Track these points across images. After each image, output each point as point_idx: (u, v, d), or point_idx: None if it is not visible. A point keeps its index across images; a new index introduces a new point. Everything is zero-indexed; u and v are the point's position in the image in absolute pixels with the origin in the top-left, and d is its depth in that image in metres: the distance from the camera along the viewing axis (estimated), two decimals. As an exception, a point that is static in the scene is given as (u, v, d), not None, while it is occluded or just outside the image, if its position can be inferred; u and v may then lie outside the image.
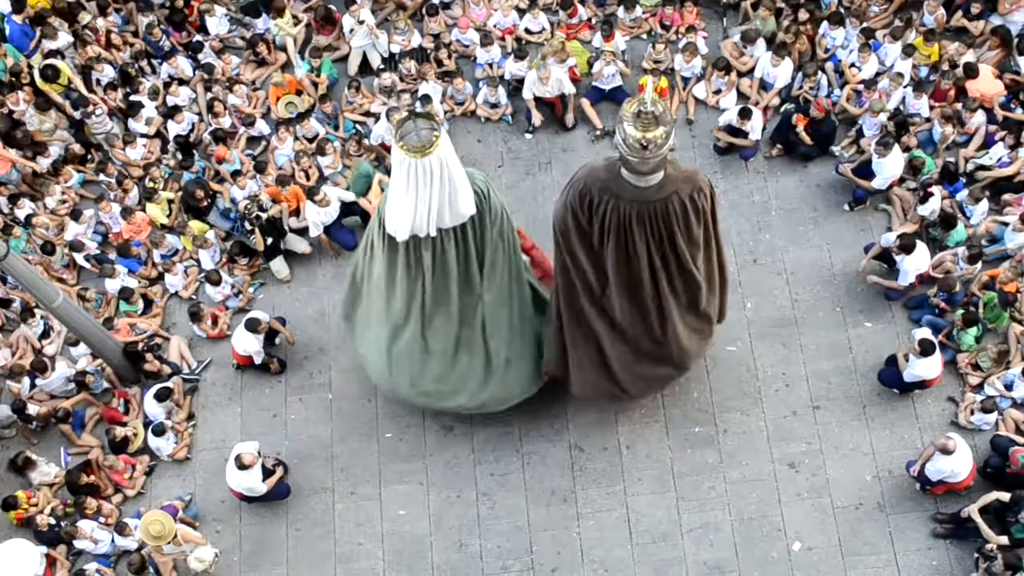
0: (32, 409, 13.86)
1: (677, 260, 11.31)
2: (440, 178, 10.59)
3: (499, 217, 11.57)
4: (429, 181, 10.55)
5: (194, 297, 14.93)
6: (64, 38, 16.33)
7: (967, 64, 15.09)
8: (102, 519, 13.20)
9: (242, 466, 12.74)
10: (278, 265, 14.92)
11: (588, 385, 12.83)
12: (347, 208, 14.94)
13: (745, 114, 14.84)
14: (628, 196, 10.67)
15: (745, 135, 15.06)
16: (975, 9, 15.70)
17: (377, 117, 15.82)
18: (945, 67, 15.35)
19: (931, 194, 14.23)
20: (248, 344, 13.83)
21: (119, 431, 13.70)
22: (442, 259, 11.43)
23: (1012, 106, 14.99)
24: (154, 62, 16.63)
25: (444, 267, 11.50)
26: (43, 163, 15.72)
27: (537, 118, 15.65)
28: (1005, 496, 12.25)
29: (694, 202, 10.84)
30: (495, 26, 16.59)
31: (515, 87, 16.10)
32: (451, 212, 10.99)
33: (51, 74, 15.81)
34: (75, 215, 15.18)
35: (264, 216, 14.69)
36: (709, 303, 12.16)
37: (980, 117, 14.92)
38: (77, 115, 15.83)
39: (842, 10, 16.03)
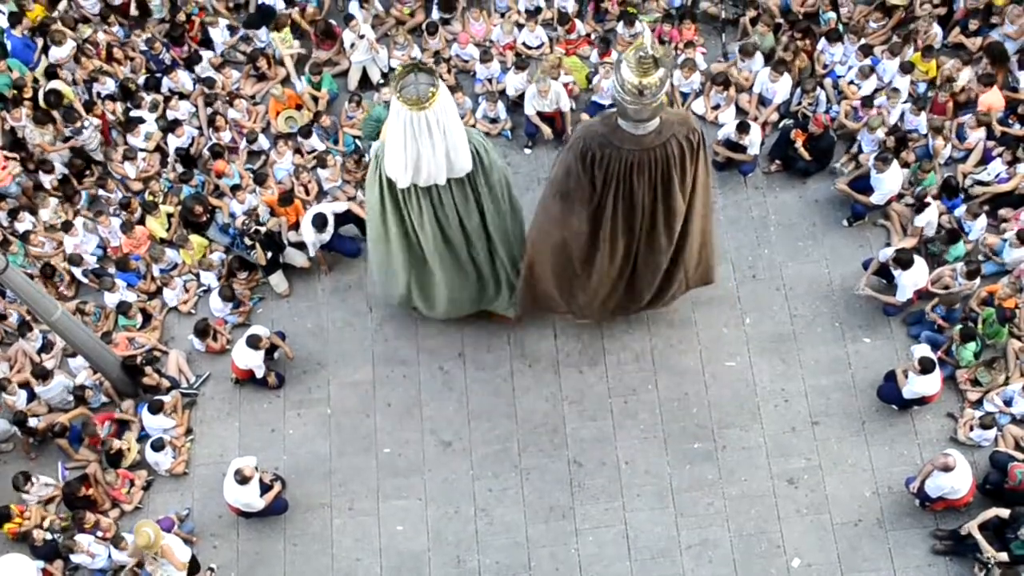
0: (32, 422, 13.83)
1: (670, 204, 11.71)
2: (436, 132, 10.93)
3: (496, 172, 12.04)
4: (427, 133, 10.90)
5: (193, 311, 14.91)
6: (70, 45, 16.35)
7: (986, 74, 15.11)
8: (99, 533, 13.14)
9: (243, 480, 12.71)
10: (277, 279, 14.91)
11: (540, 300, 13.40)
12: (342, 217, 14.93)
13: (743, 128, 14.85)
14: (628, 146, 10.99)
15: (744, 149, 15.07)
16: (972, 26, 15.74)
17: (376, 132, 15.85)
18: (940, 82, 15.38)
19: (927, 204, 14.24)
20: (249, 359, 13.81)
21: (115, 444, 13.67)
22: (441, 210, 12.03)
23: (1010, 122, 15.02)
24: (155, 75, 16.67)
25: (445, 216, 12.11)
26: (46, 180, 15.74)
27: (547, 132, 15.64)
28: (1004, 512, 12.23)
29: (690, 142, 11.23)
30: (495, 41, 16.62)
31: (514, 102, 16.13)
32: (448, 166, 11.36)
33: (54, 100, 15.79)
34: (66, 227, 15.19)
35: (263, 230, 14.68)
36: (691, 249, 12.61)
37: (981, 132, 14.95)
38: (67, 131, 15.82)
39: (841, 27, 16.06)
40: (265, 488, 13.05)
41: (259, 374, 13.99)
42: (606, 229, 11.93)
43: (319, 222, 14.30)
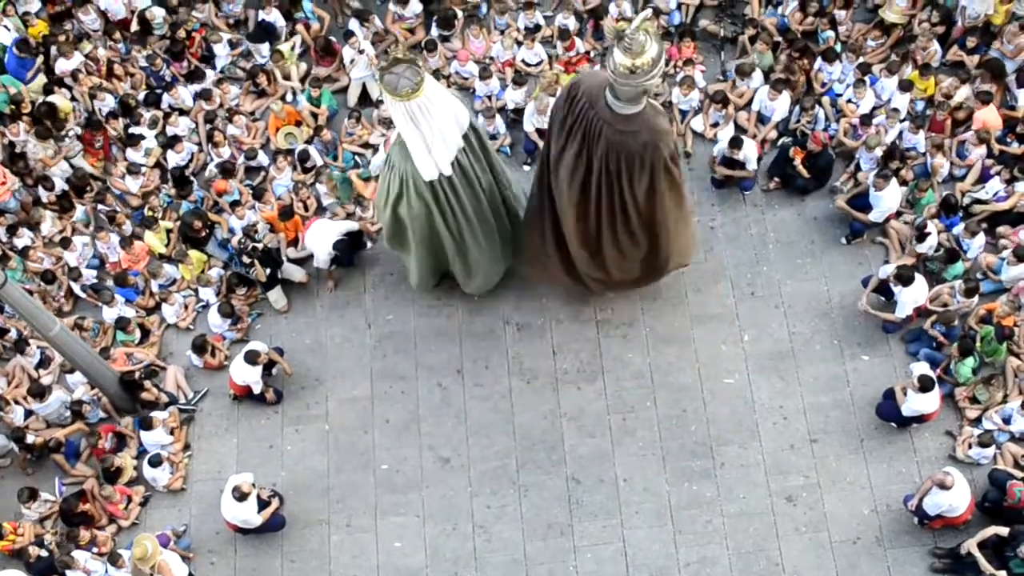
0: (29, 438, 13.81)
1: (623, 198, 12.17)
2: (435, 108, 11.59)
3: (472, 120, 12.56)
4: (429, 113, 11.45)
5: (192, 327, 14.91)
6: (78, 58, 16.42)
7: (983, 91, 15.16)
8: (95, 549, 13.11)
9: (241, 496, 12.68)
10: (275, 295, 14.91)
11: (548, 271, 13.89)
12: (355, 237, 15.09)
13: (736, 143, 14.84)
14: (601, 113, 11.42)
15: (742, 165, 15.08)
16: (970, 43, 15.79)
17: (375, 148, 15.87)
18: (940, 98, 15.42)
19: (928, 233, 14.26)
20: (247, 375, 13.80)
21: (115, 460, 13.65)
22: (466, 179, 12.60)
23: (1008, 140, 15.05)
24: (155, 92, 16.72)
25: (470, 183, 12.69)
26: (44, 196, 15.77)
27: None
28: (1004, 531, 12.21)
29: (644, 151, 11.61)
30: (496, 57, 16.66)
31: (513, 119, 16.16)
32: (457, 125, 12.08)
33: (45, 110, 15.85)
34: (64, 243, 15.22)
35: (260, 247, 14.67)
36: (637, 244, 13.12)
37: (981, 150, 14.98)
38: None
39: (838, 46, 16.11)
40: (263, 504, 13.03)
41: (256, 390, 13.98)
42: (567, 182, 12.33)
43: (342, 246, 14.72)
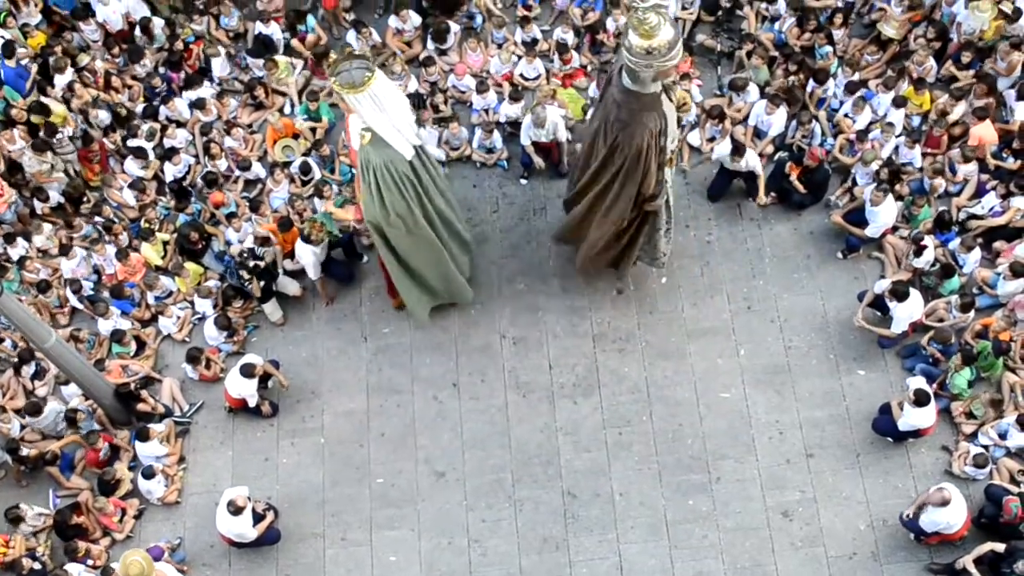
0: (24, 450, 13.77)
1: (624, 181, 12.62)
2: (386, 101, 11.93)
3: None
4: (381, 104, 11.87)
5: (188, 339, 14.90)
6: (70, 74, 16.45)
7: (979, 107, 15.21)
8: (90, 562, 13.07)
9: (236, 511, 12.65)
10: (271, 308, 14.89)
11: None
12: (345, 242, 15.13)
13: (737, 151, 14.82)
14: (617, 96, 11.91)
15: (749, 176, 15.13)
16: (965, 58, 15.84)
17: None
18: (934, 116, 15.46)
19: (925, 247, 14.28)
20: (242, 388, 13.78)
21: (116, 473, 13.61)
22: (429, 175, 12.94)
23: (1004, 156, 15.09)
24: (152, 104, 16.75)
25: (432, 180, 13.06)
26: (40, 207, 15.78)
27: (539, 163, 15.68)
28: (1000, 547, 12.19)
29: (634, 131, 12.02)
30: (494, 71, 16.70)
31: (511, 132, 16.19)
32: (410, 109, 12.60)
33: (37, 108, 15.92)
34: (64, 250, 15.24)
35: (262, 265, 14.66)
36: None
37: (972, 166, 15.02)
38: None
39: (835, 61, 16.14)
40: (258, 518, 12.99)
41: (252, 403, 13.95)
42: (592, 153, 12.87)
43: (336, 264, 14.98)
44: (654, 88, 11.67)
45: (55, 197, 15.83)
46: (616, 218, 13.18)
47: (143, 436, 13.71)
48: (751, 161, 14.97)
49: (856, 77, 15.86)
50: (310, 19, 17.30)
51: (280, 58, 16.77)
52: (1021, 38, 15.71)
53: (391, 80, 16.30)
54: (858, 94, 15.60)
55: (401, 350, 14.68)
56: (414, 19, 17.03)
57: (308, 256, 14.45)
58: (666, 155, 12.44)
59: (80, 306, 15.09)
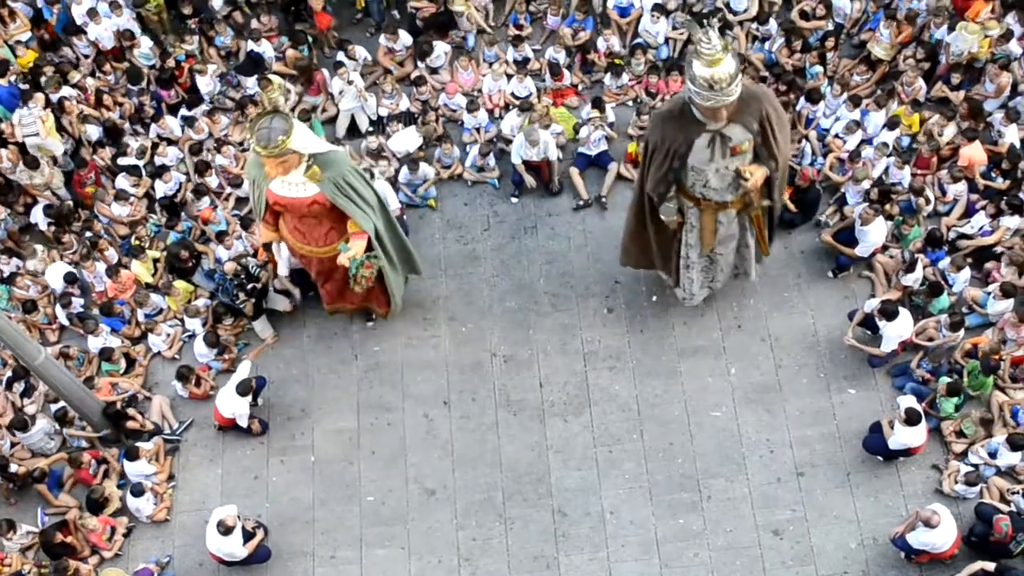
0: (13, 467, 13.71)
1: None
2: (307, 135, 12.39)
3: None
4: (305, 136, 12.23)
5: (178, 357, 14.86)
6: (66, 91, 16.46)
7: (969, 128, 15.30)
8: (78, 581, 13.03)
9: (226, 531, 12.59)
10: (261, 326, 14.87)
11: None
12: None
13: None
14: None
15: None
16: (955, 79, 15.95)
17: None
18: (922, 138, 15.54)
19: (916, 262, 14.34)
20: (236, 407, 13.73)
21: (103, 490, 13.55)
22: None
23: (993, 175, 15.16)
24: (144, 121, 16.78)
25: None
26: (36, 213, 15.83)
27: (530, 182, 15.71)
28: (990, 566, 12.19)
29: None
30: (487, 91, 16.75)
31: (502, 150, 16.24)
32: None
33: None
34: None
35: (259, 285, 14.63)
36: None
37: (961, 186, 15.10)
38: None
39: (824, 81, 16.23)
40: (248, 536, 12.93)
41: (242, 424, 13.90)
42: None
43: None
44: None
45: (42, 222, 15.85)
46: (634, 204, 13.43)
47: (131, 456, 13.65)
48: None
49: (844, 97, 15.93)
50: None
51: (275, 77, 16.79)
52: (1009, 60, 15.83)
53: (384, 99, 16.53)
54: (851, 116, 15.66)
55: (391, 368, 14.66)
56: (404, 38, 17.08)
57: (285, 251, 14.36)
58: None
59: (68, 323, 15.04)
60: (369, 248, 13.16)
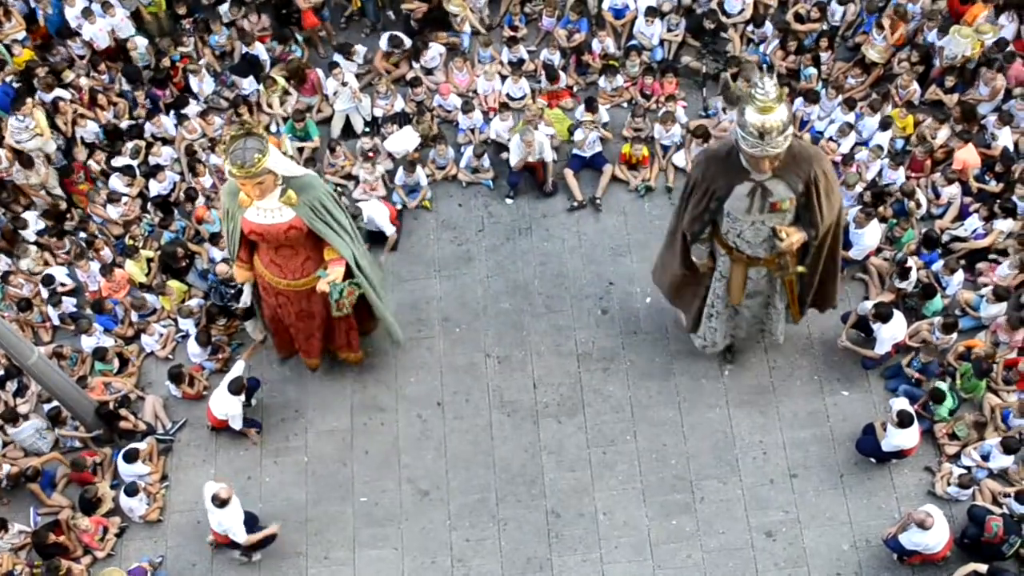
0: (5, 467, 13.69)
1: None
2: (281, 158, 12.26)
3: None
4: (278, 158, 12.05)
5: (171, 357, 14.85)
6: (59, 92, 16.45)
7: (963, 130, 15.33)
8: (70, 582, 13.01)
9: (221, 503, 12.55)
10: (252, 326, 14.78)
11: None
12: None
13: None
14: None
15: None
16: (949, 82, 15.98)
17: (357, 180, 15.92)
18: (915, 140, 15.58)
19: (909, 268, 14.36)
20: (229, 407, 13.69)
21: (96, 489, 13.53)
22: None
23: (986, 178, 15.20)
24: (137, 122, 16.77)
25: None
26: (31, 217, 15.81)
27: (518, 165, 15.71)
28: (982, 568, 12.20)
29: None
30: (482, 92, 16.76)
31: (497, 148, 16.24)
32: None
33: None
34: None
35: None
36: None
37: (955, 189, 15.13)
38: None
39: (819, 84, 16.26)
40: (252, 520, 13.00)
41: (235, 426, 13.85)
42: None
43: None
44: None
45: (36, 224, 15.86)
46: (668, 234, 13.17)
47: (130, 457, 13.62)
48: None
49: (839, 99, 15.96)
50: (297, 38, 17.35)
51: (279, 78, 16.80)
52: (1003, 63, 15.87)
53: (379, 100, 16.54)
54: (846, 118, 15.69)
55: (385, 369, 14.65)
56: (404, 43, 17.10)
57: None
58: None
59: (59, 323, 15.01)
60: (348, 275, 12.89)
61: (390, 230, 15.34)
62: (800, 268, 12.45)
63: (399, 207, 15.78)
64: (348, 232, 12.77)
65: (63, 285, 15.26)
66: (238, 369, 13.95)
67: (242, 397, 13.73)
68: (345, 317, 13.34)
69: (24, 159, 15.73)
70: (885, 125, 15.57)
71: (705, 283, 13.14)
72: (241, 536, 12.84)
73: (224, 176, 15.96)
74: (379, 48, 17.20)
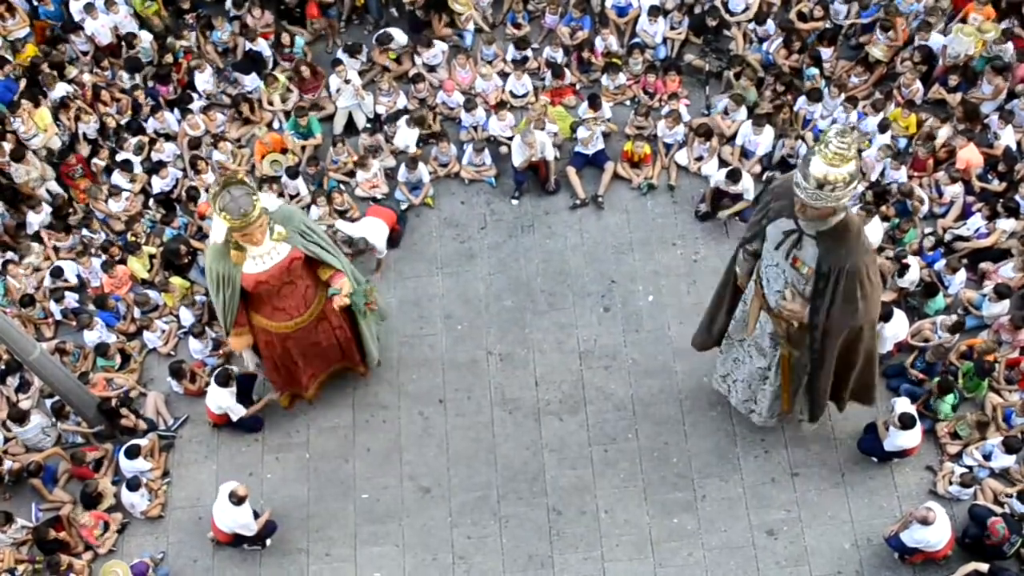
0: (7, 463, 13.70)
1: None
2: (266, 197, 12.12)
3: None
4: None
5: (173, 353, 14.85)
6: (62, 88, 16.45)
7: (966, 129, 15.33)
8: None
9: (238, 500, 12.59)
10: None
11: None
12: None
13: (734, 176, 14.94)
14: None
15: (739, 197, 15.20)
16: (952, 81, 15.97)
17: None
18: (918, 140, 15.57)
19: (908, 266, 14.35)
20: (221, 399, 13.70)
21: (98, 484, 13.53)
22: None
23: (989, 178, 15.19)
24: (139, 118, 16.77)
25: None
26: (34, 219, 15.79)
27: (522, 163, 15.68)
28: (983, 567, 12.21)
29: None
30: (482, 91, 16.75)
31: (498, 146, 16.24)
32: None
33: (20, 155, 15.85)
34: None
35: None
36: None
37: (958, 188, 15.13)
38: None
39: (822, 83, 16.26)
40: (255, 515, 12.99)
41: (235, 416, 13.86)
42: None
43: None
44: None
45: (46, 208, 15.83)
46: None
47: (131, 454, 13.63)
48: (746, 184, 15.10)
49: (842, 98, 15.95)
50: (299, 40, 17.33)
51: (280, 76, 16.79)
52: (1005, 63, 15.87)
53: (381, 97, 16.54)
54: (850, 115, 15.68)
55: (387, 366, 14.65)
56: (399, 37, 17.09)
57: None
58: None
59: (61, 318, 15.01)
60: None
61: (382, 250, 15.17)
62: (794, 351, 11.91)
63: (403, 207, 15.76)
64: (334, 247, 12.76)
65: (66, 281, 15.25)
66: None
67: (232, 388, 13.70)
68: (346, 336, 13.41)
69: (15, 152, 15.65)
70: (884, 127, 15.57)
71: (732, 314, 12.70)
72: (252, 529, 12.88)
73: (225, 172, 16.01)
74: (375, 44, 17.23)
